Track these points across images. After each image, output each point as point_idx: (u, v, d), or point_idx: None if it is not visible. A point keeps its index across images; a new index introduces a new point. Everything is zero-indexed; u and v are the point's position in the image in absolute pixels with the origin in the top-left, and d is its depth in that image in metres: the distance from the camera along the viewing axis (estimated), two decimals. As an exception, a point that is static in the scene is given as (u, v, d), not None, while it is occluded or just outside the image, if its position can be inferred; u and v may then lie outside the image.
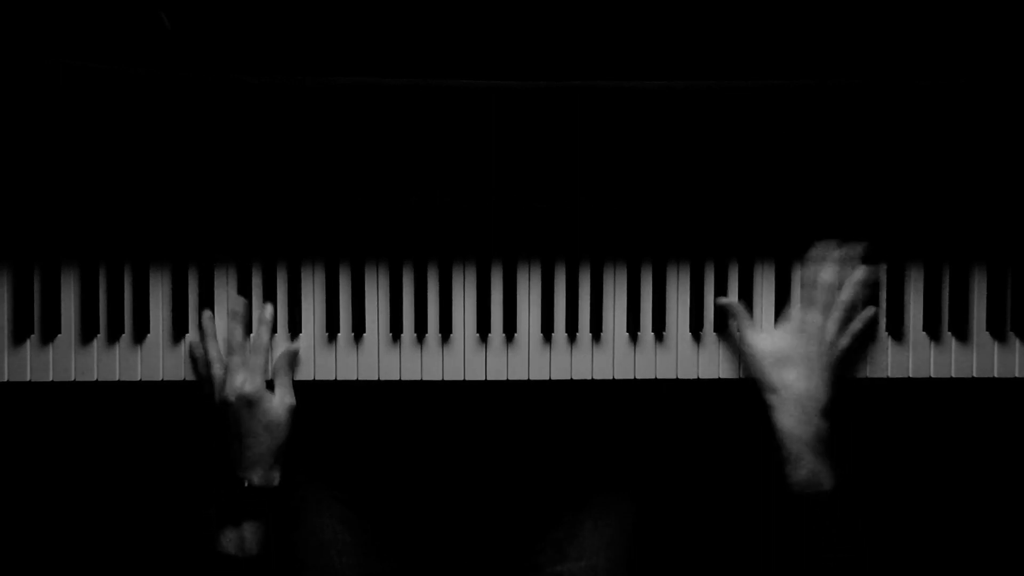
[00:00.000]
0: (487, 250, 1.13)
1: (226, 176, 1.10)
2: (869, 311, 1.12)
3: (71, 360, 1.12)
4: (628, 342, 1.14)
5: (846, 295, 1.11)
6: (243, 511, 1.06)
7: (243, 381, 1.08)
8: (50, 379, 1.12)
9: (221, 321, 1.12)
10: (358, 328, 1.13)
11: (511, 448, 1.31)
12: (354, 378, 1.13)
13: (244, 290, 1.12)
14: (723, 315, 1.14)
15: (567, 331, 1.13)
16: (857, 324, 1.11)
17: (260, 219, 1.11)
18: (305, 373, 1.13)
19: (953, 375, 1.14)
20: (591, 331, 1.13)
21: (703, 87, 1.09)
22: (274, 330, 1.13)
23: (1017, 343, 1.14)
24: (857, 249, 1.12)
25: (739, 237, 1.13)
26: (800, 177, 1.11)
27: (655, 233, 1.12)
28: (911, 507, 1.39)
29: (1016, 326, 1.13)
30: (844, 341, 1.11)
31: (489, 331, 1.13)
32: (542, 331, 1.13)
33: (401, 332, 1.13)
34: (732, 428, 1.38)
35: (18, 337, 1.12)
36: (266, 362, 1.11)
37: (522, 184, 1.10)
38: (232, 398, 1.07)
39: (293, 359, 1.12)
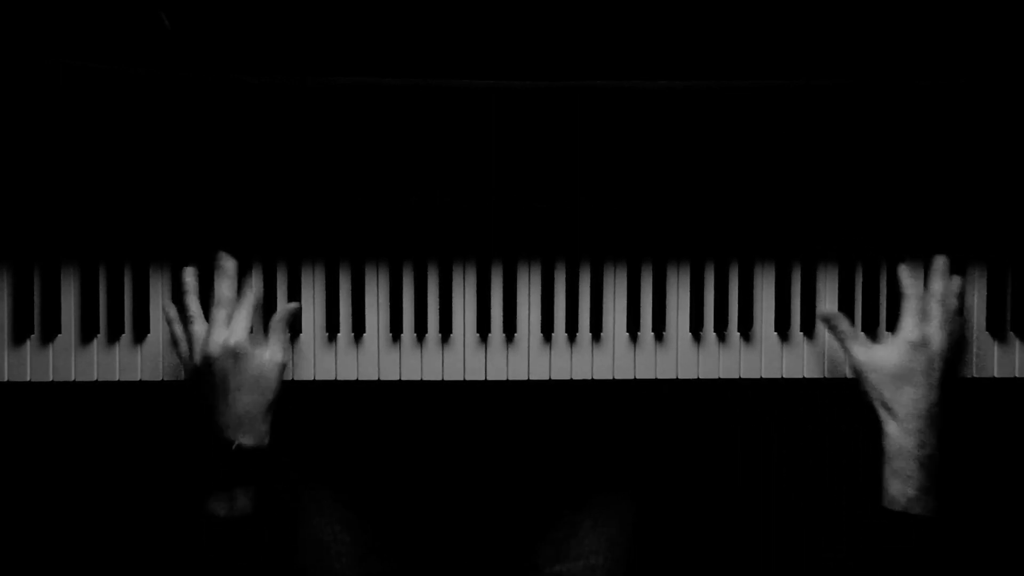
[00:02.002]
0: (487, 250, 1.13)
1: (226, 176, 1.10)
2: (967, 324, 1.11)
3: (71, 360, 1.12)
4: (628, 342, 1.14)
5: (952, 305, 1.08)
6: (233, 474, 1.02)
7: (228, 334, 1.04)
8: (50, 379, 1.12)
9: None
10: (358, 328, 1.13)
11: (511, 448, 1.31)
12: (354, 378, 1.13)
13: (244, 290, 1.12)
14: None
15: (567, 331, 1.13)
16: (960, 333, 1.10)
17: (260, 219, 1.11)
18: (305, 373, 1.13)
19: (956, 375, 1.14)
20: (591, 331, 1.13)
21: (703, 87, 1.09)
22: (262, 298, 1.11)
23: (1017, 343, 1.14)
24: (945, 259, 1.10)
25: (739, 237, 1.13)
26: (800, 177, 1.11)
27: (655, 233, 1.12)
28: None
29: (1016, 326, 1.13)
30: (954, 353, 1.08)
31: (489, 331, 1.13)
32: (542, 331, 1.13)
33: (401, 332, 1.13)
34: (732, 428, 1.38)
35: (18, 337, 1.12)
36: (251, 319, 1.07)
37: (522, 184, 1.10)
38: (216, 351, 1.03)
39: (292, 317, 1.10)
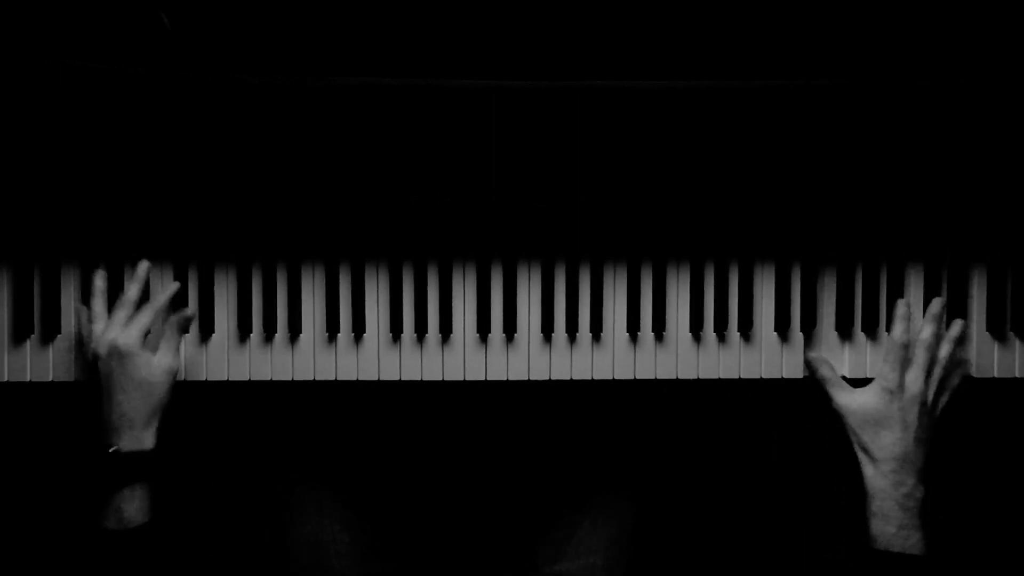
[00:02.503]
0: (487, 250, 1.13)
1: (226, 176, 1.10)
2: (965, 368, 1.12)
3: (71, 360, 1.12)
4: (628, 342, 1.14)
5: (944, 352, 1.09)
6: (114, 480, 0.99)
7: (117, 334, 1.03)
8: (50, 379, 1.12)
9: (221, 319, 1.12)
10: (358, 328, 1.13)
11: (511, 448, 1.31)
12: (354, 378, 1.13)
13: (244, 290, 1.12)
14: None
15: (567, 331, 1.13)
16: (955, 380, 1.10)
17: (260, 219, 1.11)
18: (305, 373, 1.13)
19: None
20: (591, 331, 1.13)
21: (703, 87, 1.09)
22: (174, 300, 1.10)
23: (1017, 343, 1.14)
24: (942, 303, 1.11)
25: (739, 237, 1.13)
26: (800, 177, 1.11)
27: (655, 233, 1.12)
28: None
29: (1016, 326, 1.13)
30: (944, 399, 1.09)
31: (489, 331, 1.13)
32: (542, 331, 1.13)
33: (401, 332, 1.13)
34: (732, 428, 1.38)
35: (18, 337, 1.12)
36: (152, 323, 1.06)
37: (522, 184, 1.10)
38: (103, 350, 1.03)
39: (185, 324, 1.09)
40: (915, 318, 1.11)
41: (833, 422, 1.10)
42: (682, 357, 1.14)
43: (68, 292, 1.12)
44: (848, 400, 1.08)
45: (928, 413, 1.07)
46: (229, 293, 1.13)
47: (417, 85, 1.08)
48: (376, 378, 1.13)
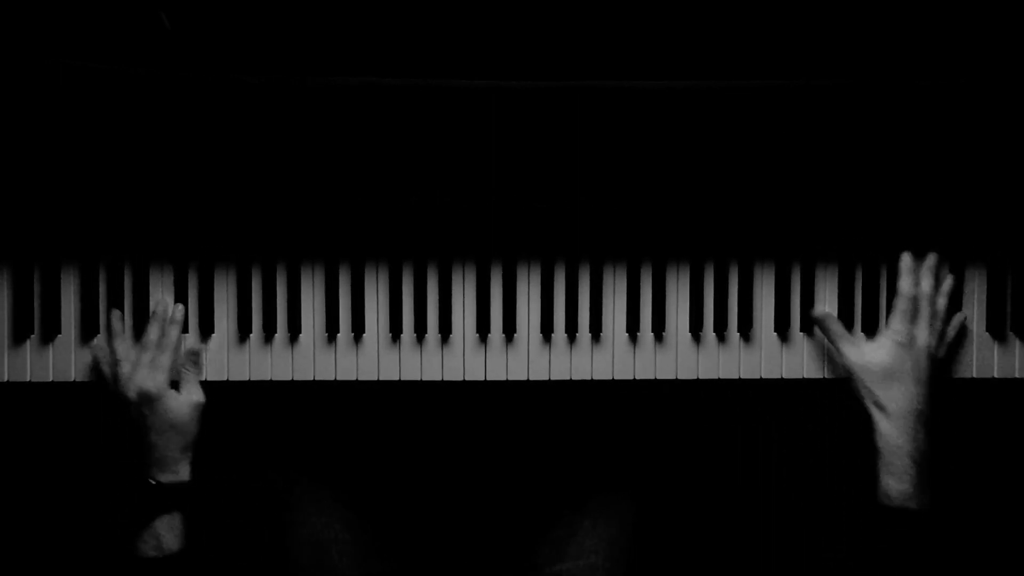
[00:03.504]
0: (487, 250, 1.13)
1: (226, 176, 1.10)
2: (960, 318, 1.12)
3: (71, 360, 1.12)
4: (628, 342, 1.14)
5: (941, 305, 1.10)
6: (152, 510, 1.04)
7: (143, 377, 1.06)
8: (50, 379, 1.12)
9: (221, 320, 1.12)
10: (358, 328, 1.13)
11: (511, 448, 1.31)
12: (354, 378, 1.13)
13: (244, 290, 1.12)
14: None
15: (567, 331, 1.13)
16: (951, 332, 1.11)
17: (260, 219, 1.11)
18: (305, 373, 1.13)
19: (953, 376, 1.14)
20: (591, 331, 1.13)
21: (704, 87, 1.09)
22: (185, 329, 1.11)
23: (1017, 343, 1.14)
24: (936, 257, 1.11)
25: (739, 237, 1.13)
26: (800, 177, 1.11)
27: (655, 233, 1.12)
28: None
29: (1016, 326, 1.13)
30: (943, 352, 1.10)
31: (489, 331, 1.13)
32: (542, 331, 1.13)
33: (401, 332, 1.13)
34: (731, 428, 1.38)
35: (18, 337, 1.12)
36: (171, 361, 1.09)
37: (522, 184, 1.10)
38: (132, 395, 1.06)
39: (197, 357, 1.11)
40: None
41: (842, 384, 1.10)
42: (682, 357, 1.14)
43: (68, 292, 1.12)
44: (858, 355, 1.09)
45: (936, 365, 1.08)
46: (229, 293, 1.13)
47: (417, 85, 1.08)
48: (376, 378, 1.13)
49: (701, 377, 1.14)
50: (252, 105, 1.08)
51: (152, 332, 1.10)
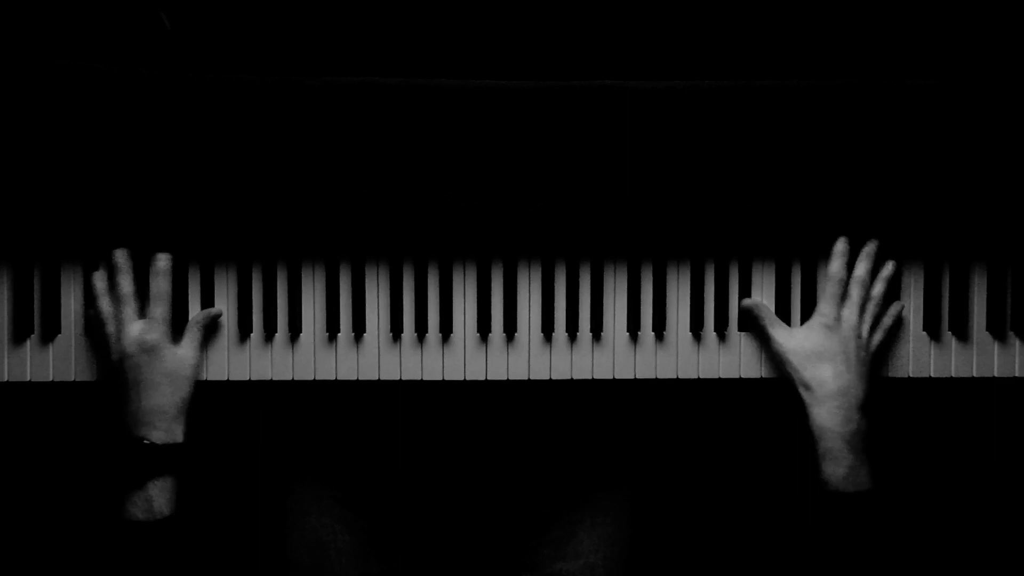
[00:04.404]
0: (487, 250, 1.13)
1: (226, 176, 1.09)
2: (897, 306, 1.13)
3: (71, 360, 1.12)
4: (628, 342, 1.14)
5: (878, 290, 1.11)
6: (145, 471, 1.01)
7: (141, 330, 1.06)
8: (50, 379, 1.12)
9: (222, 321, 1.12)
10: (358, 328, 1.13)
11: (511, 447, 1.31)
12: (354, 378, 1.13)
13: (244, 290, 1.12)
14: (748, 317, 1.14)
15: (567, 331, 1.13)
16: (888, 320, 1.12)
17: (260, 218, 1.11)
18: (305, 373, 1.13)
19: (953, 375, 1.14)
20: (591, 331, 1.13)
21: (704, 87, 1.09)
22: (172, 280, 1.10)
23: (1017, 343, 1.14)
24: (875, 244, 1.12)
25: (739, 237, 1.13)
26: (800, 177, 1.11)
27: (655, 233, 1.12)
28: (911, 507, 1.39)
29: (1016, 326, 1.14)
30: (878, 337, 1.11)
31: (489, 331, 1.13)
32: (542, 331, 1.13)
33: (401, 332, 1.13)
34: (730, 427, 1.38)
35: (18, 337, 1.11)
36: (167, 312, 1.08)
37: (522, 184, 1.10)
38: (131, 348, 1.05)
39: (212, 320, 1.11)
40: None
41: (777, 368, 1.11)
42: (682, 357, 1.14)
43: (68, 292, 1.12)
44: (787, 338, 1.10)
45: (864, 347, 1.09)
46: (229, 292, 1.13)
47: (418, 85, 1.08)
48: (376, 378, 1.13)
49: (702, 376, 1.14)
50: (252, 105, 1.08)
51: (123, 284, 1.08)
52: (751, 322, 1.14)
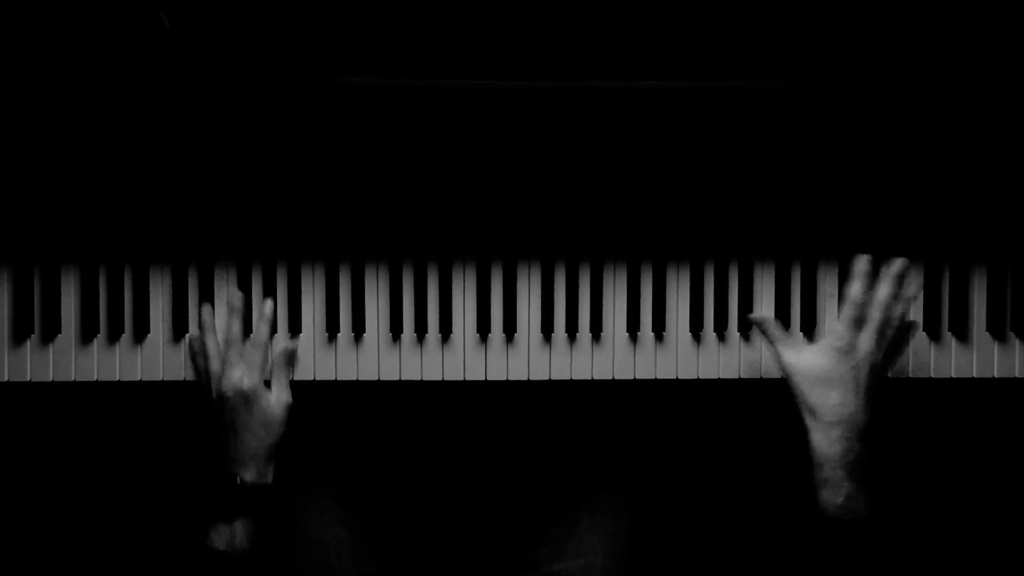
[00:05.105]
0: (487, 250, 1.13)
1: (227, 176, 1.10)
2: (914, 330, 1.10)
3: (71, 360, 1.12)
4: (628, 342, 1.14)
5: (899, 312, 1.06)
6: (235, 508, 1.06)
7: (240, 376, 1.07)
8: (50, 379, 1.12)
9: (220, 319, 1.12)
10: (358, 328, 1.13)
11: (510, 447, 1.31)
12: (354, 378, 1.13)
13: (244, 290, 1.12)
14: (748, 326, 1.13)
15: (567, 331, 1.13)
16: (904, 344, 1.09)
17: (260, 219, 1.11)
18: (305, 373, 1.13)
19: (953, 375, 1.14)
20: (591, 331, 1.13)
21: (705, 87, 1.09)
22: (274, 327, 1.12)
23: (1017, 343, 1.14)
24: (904, 263, 1.06)
25: (739, 237, 1.13)
26: (800, 177, 1.11)
27: (655, 233, 1.12)
28: (911, 508, 1.39)
29: (1016, 326, 1.14)
30: (893, 362, 1.08)
31: (489, 331, 1.13)
32: (542, 331, 1.13)
33: (401, 332, 1.13)
34: (730, 427, 1.38)
35: (18, 337, 1.12)
36: (264, 359, 1.10)
37: (522, 184, 1.10)
38: (229, 393, 1.07)
39: (291, 357, 1.12)
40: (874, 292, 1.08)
41: (782, 390, 1.07)
42: (682, 357, 1.14)
43: (68, 292, 1.12)
44: (797, 358, 1.05)
45: (878, 375, 1.04)
46: (229, 293, 1.13)
47: (418, 85, 1.08)
48: (376, 378, 1.13)
49: (701, 377, 1.14)
50: (252, 105, 1.08)
51: (235, 328, 1.10)
52: (759, 334, 1.12)
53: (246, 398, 1.07)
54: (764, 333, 1.10)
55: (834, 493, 1.01)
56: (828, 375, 1.03)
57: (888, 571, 1.01)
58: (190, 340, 1.12)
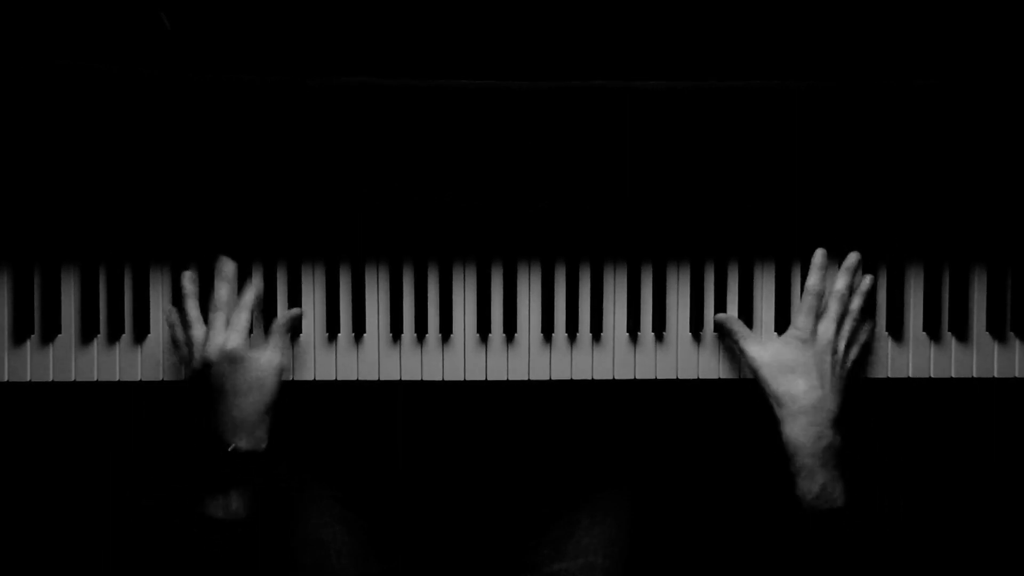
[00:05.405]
0: (487, 250, 1.13)
1: (226, 176, 1.10)
2: (871, 323, 1.12)
3: (71, 360, 1.12)
4: (628, 342, 1.14)
5: (856, 304, 1.10)
6: (230, 477, 1.03)
7: (224, 339, 1.05)
8: (50, 379, 1.12)
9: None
10: (358, 328, 1.13)
11: (510, 447, 1.31)
12: (354, 378, 1.13)
13: (244, 290, 1.12)
14: (722, 331, 1.13)
15: (567, 331, 1.13)
16: (863, 335, 1.11)
17: (260, 219, 1.11)
18: (305, 373, 1.13)
19: (953, 375, 1.14)
20: (591, 331, 1.13)
21: (705, 87, 1.09)
22: (261, 294, 1.11)
23: (1017, 343, 1.14)
24: (857, 256, 1.11)
25: (739, 237, 1.13)
26: (800, 177, 1.11)
27: (655, 233, 1.12)
28: (910, 508, 1.39)
29: (1016, 326, 1.14)
30: (854, 352, 1.10)
31: (489, 331, 1.13)
32: (542, 331, 1.13)
33: (401, 332, 1.13)
34: (730, 427, 1.38)
35: (18, 337, 1.12)
36: (249, 321, 1.08)
37: (522, 184, 1.10)
38: (214, 356, 1.05)
39: (293, 322, 1.11)
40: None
41: (750, 385, 1.09)
42: (682, 357, 1.14)
43: (68, 292, 1.12)
44: (760, 351, 1.09)
45: (840, 363, 1.08)
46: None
47: (417, 85, 1.08)
48: (376, 378, 1.13)
49: (701, 377, 1.14)
50: (252, 105, 1.08)
51: (222, 292, 1.08)
52: (726, 334, 1.13)
53: (232, 359, 1.04)
54: (729, 332, 1.12)
55: (809, 481, 1.02)
56: (792, 363, 1.07)
57: (867, 560, 1.02)
58: (168, 312, 1.10)
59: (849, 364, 1.09)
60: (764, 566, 1.13)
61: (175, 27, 1.08)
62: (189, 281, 1.10)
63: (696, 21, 1.10)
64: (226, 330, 1.06)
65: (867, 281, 1.11)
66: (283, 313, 1.10)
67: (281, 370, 1.07)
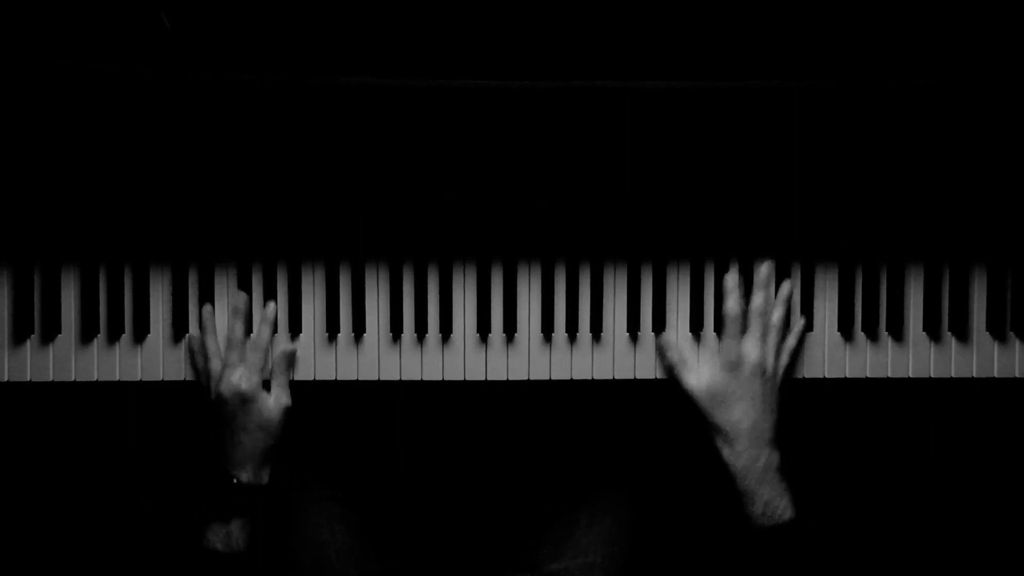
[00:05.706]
0: (487, 250, 1.13)
1: (227, 176, 1.10)
2: (799, 324, 1.12)
3: (71, 360, 1.12)
4: (628, 342, 1.14)
5: (778, 316, 1.10)
6: (231, 508, 1.06)
7: (240, 378, 1.08)
8: (50, 379, 1.12)
9: (221, 319, 1.12)
10: (358, 328, 1.13)
11: (510, 447, 1.31)
12: (354, 378, 1.13)
13: (244, 289, 1.12)
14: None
15: (567, 331, 1.13)
16: (792, 340, 1.11)
17: (260, 219, 1.11)
18: (305, 373, 1.13)
19: (953, 375, 1.14)
20: (591, 331, 1.13)
21: (705, 87, 1.09)
22: (275, 329, 1.12)
23: (1017, 343, 1.14)
24: (769, 268, 1.11)
25: (739, 237, 1.13)
26: (801, 177, 1.11)
27: (655, 233, 1.12)
28: (910, 507, 1.39)
29: (1016, 326, 1.14)
30: (784, 361, 1.10)
31: (489, 331, 1.13)
32: (542, 331, 1.13)
33: (401, 332, 1.13)
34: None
35: (18, 337, 1.12)
36: (264, 361, 1.10)
37: (522, 184, 1.10)
38: (228, 394, 1.07)
39: (291, 359, 1.12)
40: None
41: (687, 411, 1.10)
42: (682, 357, 1.14)
43: (68, 292, 1.12)
44: (696, 382, 1.09)
45: (770, 380, 1.08)
46: (229, 293, 1.13)
47: (417, 85, 1.08)
48: (376, 378, 1.13)
49: (701, 377, 1.14)
50: (252, 105, 1.08)
51: (237, 329, 1.10)
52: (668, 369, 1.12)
53: (244, 400, 1.07)
54: (664, 359, 1.12)
55: (751, 503, 1.05)
56: (723, 393, 1.07)
57: (827, 569, 1.03)
58: (189, 339, 1.12)
59: (781, 374, 1.10)
60: (764, 565, 1.13)
61: (175, 27, 1.08)
62: (208, 315, 1.11)
63: (696, 21, 1.10)
64: (240, 367, 1.08)
65: (785, 288, 1.11)
66: (279, 352, 1.11)
67: (287, 411, 1.10)
